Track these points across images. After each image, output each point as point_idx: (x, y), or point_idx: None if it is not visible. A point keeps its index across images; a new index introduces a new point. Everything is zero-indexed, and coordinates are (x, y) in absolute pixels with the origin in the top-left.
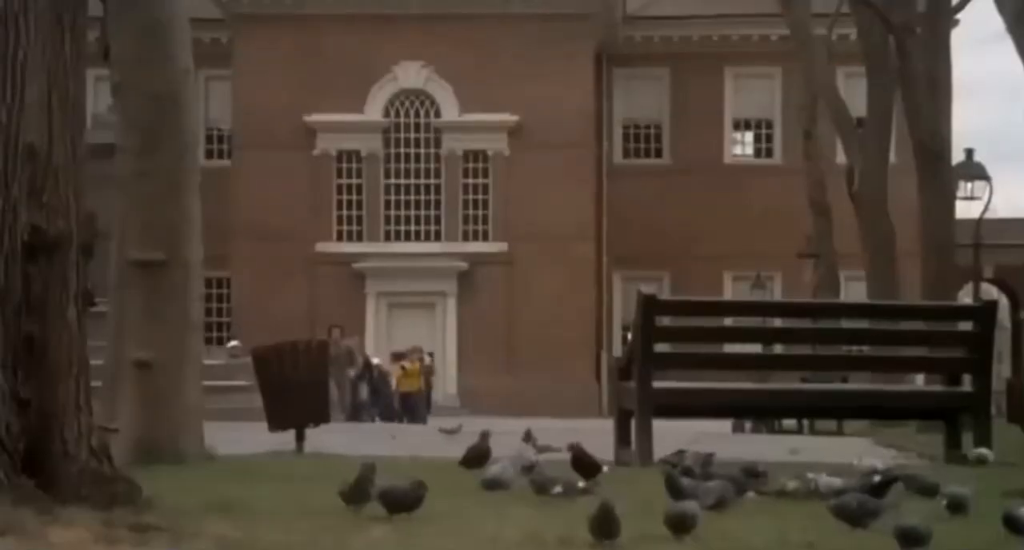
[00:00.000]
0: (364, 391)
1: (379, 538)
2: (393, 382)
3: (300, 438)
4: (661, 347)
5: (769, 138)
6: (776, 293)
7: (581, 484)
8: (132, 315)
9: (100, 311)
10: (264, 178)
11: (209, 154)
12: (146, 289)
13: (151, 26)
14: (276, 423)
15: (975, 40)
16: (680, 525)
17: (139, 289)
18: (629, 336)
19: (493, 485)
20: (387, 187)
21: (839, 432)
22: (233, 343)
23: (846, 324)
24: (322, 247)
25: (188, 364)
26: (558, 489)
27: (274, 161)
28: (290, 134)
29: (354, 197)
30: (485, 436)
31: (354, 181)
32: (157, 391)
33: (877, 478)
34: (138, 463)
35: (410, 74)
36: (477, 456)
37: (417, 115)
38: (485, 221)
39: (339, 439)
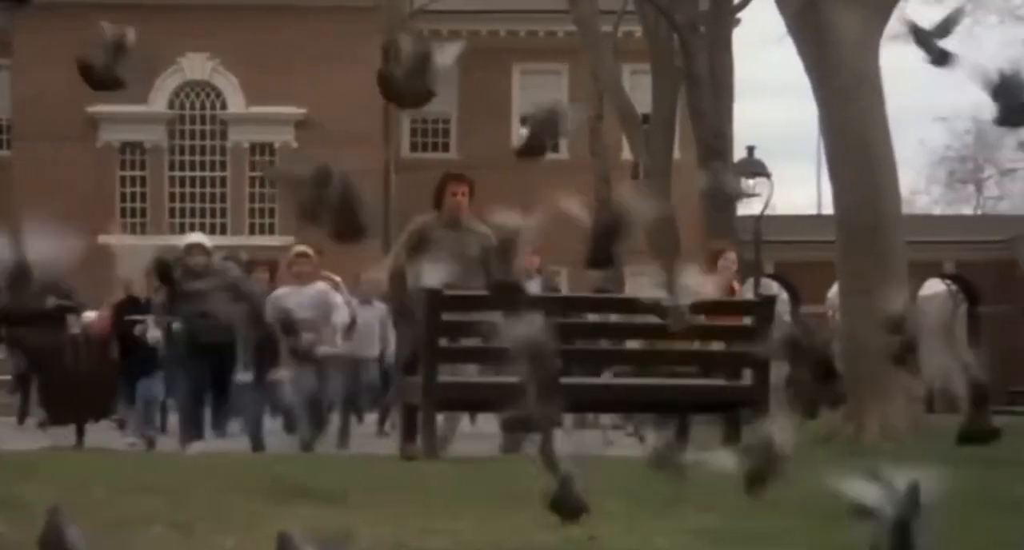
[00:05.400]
0: None
1: (160, 534)
2: None
3: (80, 433)
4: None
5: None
6: (564, 288)
7: None
8: None
9: None
10: (46, 169)
11: None
12: None
13: None
14: (56, 417)
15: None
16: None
17: None
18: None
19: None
20: (172, 179)
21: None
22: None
23: (625, 319)
24: (105, 240)
25: None
26: None
27: (56, 152)
28: (72, 125)
29: (138, 189)
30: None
31: (137, 173)
32: None
33: None
34: None
35: (196, 66)
36: None
37: (203, 107)
38: (272, 214)
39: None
